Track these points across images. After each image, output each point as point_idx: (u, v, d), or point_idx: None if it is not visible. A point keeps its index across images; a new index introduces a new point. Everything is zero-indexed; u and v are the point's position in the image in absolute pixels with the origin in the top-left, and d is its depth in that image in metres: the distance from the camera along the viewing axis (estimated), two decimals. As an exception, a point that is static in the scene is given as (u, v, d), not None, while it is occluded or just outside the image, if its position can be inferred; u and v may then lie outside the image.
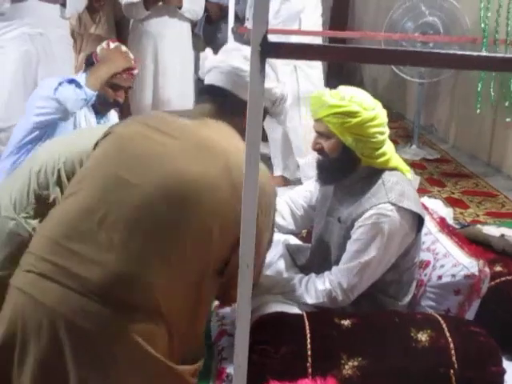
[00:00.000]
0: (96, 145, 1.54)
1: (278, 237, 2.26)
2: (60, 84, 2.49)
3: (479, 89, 4.02)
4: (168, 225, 1.32)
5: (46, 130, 2.52)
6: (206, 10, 4.03)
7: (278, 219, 2.27)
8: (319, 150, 1.90)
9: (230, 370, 1.85)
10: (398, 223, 1.79)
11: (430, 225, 2.19)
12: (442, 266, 1.98)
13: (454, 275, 1.91)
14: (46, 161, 1.94)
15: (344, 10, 7.73)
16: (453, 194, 4.27)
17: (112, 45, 2.67)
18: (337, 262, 1.89)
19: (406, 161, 2.07)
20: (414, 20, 4.89)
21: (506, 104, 3.95)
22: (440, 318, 1.73)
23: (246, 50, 1.50)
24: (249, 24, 3.76)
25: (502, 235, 2.29)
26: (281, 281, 1.96)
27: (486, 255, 2.08)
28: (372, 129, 1.81)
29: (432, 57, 1.05)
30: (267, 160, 4.22)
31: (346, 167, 1.89)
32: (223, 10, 4.25)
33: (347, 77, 7.03)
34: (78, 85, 2.51)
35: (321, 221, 2.07)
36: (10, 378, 1.30)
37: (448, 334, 1.65)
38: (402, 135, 5.62)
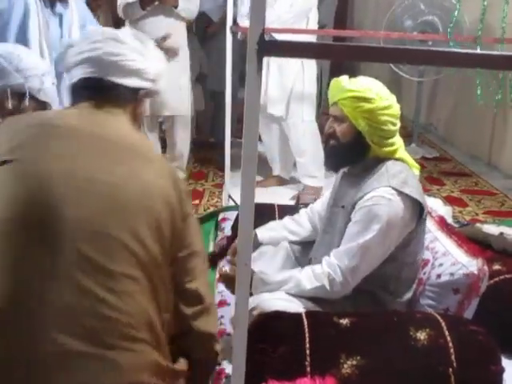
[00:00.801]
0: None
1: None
2: None
3: (478, 81, 4.01)
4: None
5: None
6: None
7: (295, 227, 2.29)
8: (331, 134, 1.96)
9: (228, 370, 1.85)
10: (397, 207, 1.80)
11: (429, 223, 2.19)
12: (441, 264, 1.98)
13: (452, 274, 1.91)
14: None
15: (344, 9, 7.73)
16: (452, 192, 4.27)
17: None
18: None
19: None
20: (413, 18, 4.90)
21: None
22: (439, 317, 1.73)
23: (111, 33, 1.45)
24: (241, 22, 3.76)
25: (501, 233, 2.29)
26: (278, 275, 1.96)
27: (485, 254, 2.08)
28: (384, 117, 1.86)
29: (431, 55, 1.05)
30: (265, 158, 4.24)
31: (355, 153, 1.94)
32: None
33: (346, 74, 7.03)
34: None
35: (327, 213, 2.11)
36: None
37: (447, 333, 1.65)
38: (401, 134, 5.58)
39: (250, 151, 1.05)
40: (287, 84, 3.77)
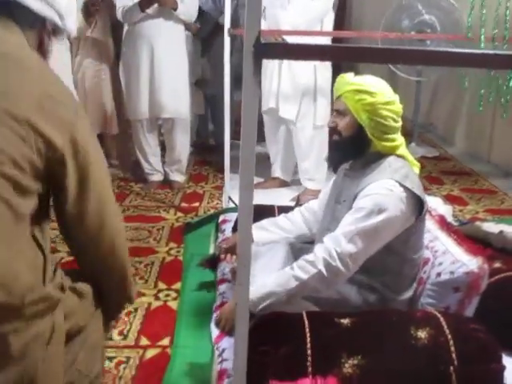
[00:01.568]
0: None
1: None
2: None
3: (482, 91, 4.03)
4: None
5: None
6: None
7: (288, 225, 2.30)
8: (334, 129, 1.99)
9: (230, 371, 1.86)
10: (398, 199, 1.81)
11: (428, 223, 2.20)
12: (441, 263, 1.99)
13: (452, 272, 1.91)
14: None
15: (341, 10, 7.73)
16: (452, 191, 4.28)
17: None
18: None
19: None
20: (410, 18, 4.91)
21: (502, 101, 3.95)
22: (439, 316, 1.73)
23: None
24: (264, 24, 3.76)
25: (501, 232, 2.30)
26: (271, 280, 1.90)
27: (485, 252, 2.08)
28: (385, 112, 1.89)
29: (429, 55, 1.06)
30: (266, 160, 4.25)
31: (357, 147, 1.97)
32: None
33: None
34: None
35: (328, 209, 2.12)
36: None
37: (447, 331, 1.66)
38: (401, 133, 5.62)
39: (247, 153, 1.05)
40: (299, 87, 3.74)
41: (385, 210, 1.79)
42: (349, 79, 1.95)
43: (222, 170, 3.87)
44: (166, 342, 2.28)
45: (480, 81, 4.09)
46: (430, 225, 2.20)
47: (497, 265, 2.10)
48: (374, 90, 1.89)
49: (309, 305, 1.92)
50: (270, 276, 1.92)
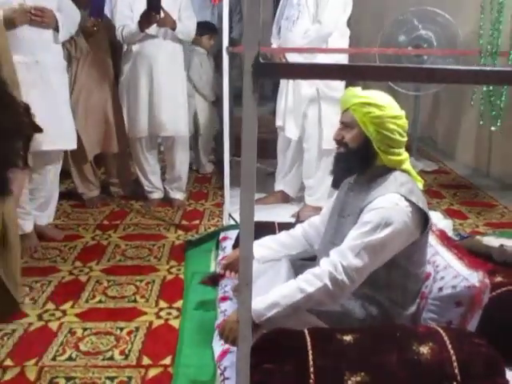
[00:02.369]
0: None
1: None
2: None
3: (481, 104, 4.05)
4: None
5: None
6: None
7: (289, 241, 2.30)
8: (340, 142, 2.01)
9: (233, 388, 1.85)
10: (404, 213, 1.82)
11: (429, 237, 2.20)
12: (443, 277, 1.98)
13: (454, 287, 1.91)
14: None
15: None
16: (452, 205, 4.28)
17: None
18: None
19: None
20: (407, 34, 4.94)
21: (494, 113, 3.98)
22: (441, 331, 1.73)
23: None
24: (274, 43, 3.84)
25: (502, 245, 2.30)
26: (276, 292, 1.88)
27: (486, 266, 2.08)
28: (393, 125, 1.91)
29: (430, 72, 1.07)
30: (269, 175, 4.26)
31: (363, 159, 1.98)
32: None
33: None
34: None
35: (331, 223, 2.12)
36: None
37: (450, 346, 1.65)
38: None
39: (248, 170, 1.06)
40: (300, 108, 3.78)
41: (391, 223, 1.79)
42: (357, 92, 1.97)
43: (221, 187, 3.88)
44: (167, 360, 2.27)
45: (480, 95, 4.11)
46: (431, 239, 2.20)
47: (498, 279, 2.10)
48: (382, 103, 1.92)
49: (312, 318, 1.91)
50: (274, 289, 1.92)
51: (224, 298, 2.51)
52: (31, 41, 3.08)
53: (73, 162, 4.11)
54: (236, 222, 3.49)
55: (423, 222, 1.89)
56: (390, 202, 1.83)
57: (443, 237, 2.27)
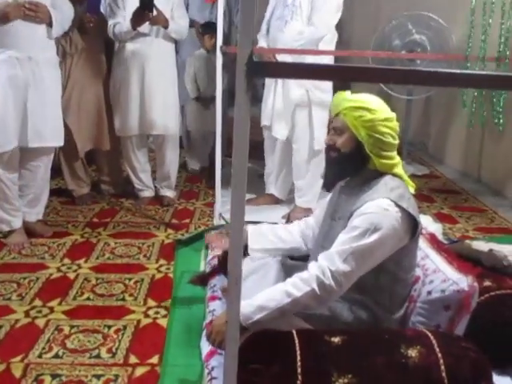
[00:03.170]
0: None
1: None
2: None
3: (472, 108, 4.07)
4: None
5: None
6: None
7: (285, 235, 2.30)
8: (331, 147, 1.99)
9: (220, 389, 1.85)
10: (393, 219, 1.81)
11: (420, 241, 2.20)
12: (432, 281, 1.99)
13: (443, 290, 1.91)
14: None
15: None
16: (442, 209, 4.30)
17: None
18: None
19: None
20: (401, 38, 4.96)
21: (496, 121, 3.98)
22: (430, 334, 1.73)
23: None
24: (262, 42, 3.81)
25: (491, 250, 2.30)
26: (263, 296, 1.87)
27: (475, 270, 2.09)
28: (384, 128, 1.91)
29: (421, 75, 1.07)
30: (260, 176, 4.26)
31: (355, 163, 1.98)
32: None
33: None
34: None
35: (323, 226, 2.12)
36: None
37: (438, 350, 1.65)
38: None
39: (239, 170, 1.06)
40: (289, 109, 3.76)
41: (380, 229, 1.79)
42: (347, 96, 1.96)
43: (213, 187, 3.87)
44: (155, 360, 2.26)
45: (471, 100, 4.13)
46: (421, 243, 2.20)
47: (487, 283, 2.10)
48: (373, 106, 1.91)
49: (300, 321, 1.91)
50: (262, 292, 1.91)
51: (213, 298, 2.50)
52: (24, 36, 3.05)
53: (64, 159, 4.09)
54: (227, 221, 3.48)
55: (413, 227, 1.89)
56: (380, 207, 1.83)
57: (433, 240, 2.27)
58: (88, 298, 2.76)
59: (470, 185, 4.93)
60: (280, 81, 3.71)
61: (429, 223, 2.68)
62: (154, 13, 3.69)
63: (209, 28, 4.68)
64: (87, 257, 3.24)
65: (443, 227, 3.54)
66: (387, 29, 5.03)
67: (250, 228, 2.37)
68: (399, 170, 1.99)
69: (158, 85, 3.90)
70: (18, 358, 2.25)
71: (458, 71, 1.05)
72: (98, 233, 3.63)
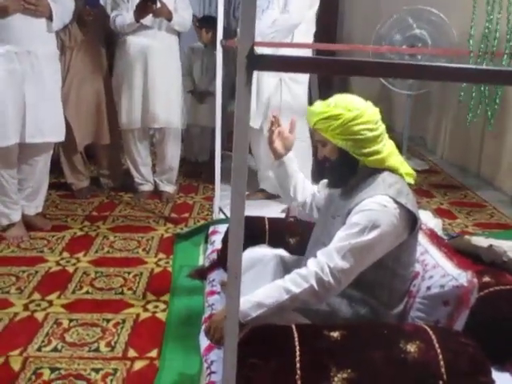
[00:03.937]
0: None
1: (271, 251, 2.28)
2: None
3: (472, 102, 4.06)
4: None
5: None
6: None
7: (305, 185, 2.31)
8: (324, 158, 2.00)
9: (219, 383, 1.85)
10: (392, 215, 1.81)
11: (419, 236, 2.20)
12: (431, 276, 1.98)
13: (442, 286, 1.91)
14: None
15: (332, 23, 7.79)
16: (441, 204, 4.29)
17: None
18: None
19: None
20: (401, 33, 4.95)
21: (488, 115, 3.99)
22: (429, 329, 1.73)
23: None
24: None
25: (490, 246, 2.30)
26: (262, 292, 1.86)
27: (475, 266, 2.09)
28: (357, 126, 1.87)
29: (422, 69, 1.06)
30: (252, 173, 4.25)
31: (347, 169, 1.97)
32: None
33: (337, 89, 7.08)
34: None
35: (321, 221, 2.12)
36: None
37: (437, 345, 1.65)
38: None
39: (239, 163, 1.05)
40: (263, 98, 3.80)
41: (378, 226, 1.78)
42: (314, 109, 1.94)
43: (212, 181, 3.86)
44: (154, 353, 2.26)
45: (470, 94, 4.12)
46: (421, 238, 2.19)
47: (486, 279, 2.09)
48: (338, 111, 1.88)
49: (298, 316, 1.91)
50: (259, 288, 1.91)
51: (212, 292, 2.50)
52: (23, 30, 3.03)
53: (63, 152, 4.09)
54: (226, 215, 3.48)
55: (412, 222, 1.88)
56: (378, 204, 1.82)
57: (433, 236, 2.27)
58: (87, 292, 2.76)
59: (470, 180, 4.93)
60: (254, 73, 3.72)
61: (428, 218, 2.68)
62: (158, 5, 3.67)
63: (206, 22, 4.66)
64: (86, 250, 3.24)
65: (443, 222, 3.54)
66: (388, 23, 5.02)
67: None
68: (393, 161, 1.96)
69: (161, 78, 3.89)
70: (17, 352, 2.25)
71: (460, 66, 1.04)
72: (97, 226, 3.62)
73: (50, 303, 2.64)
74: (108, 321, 2.50)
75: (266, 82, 3.75)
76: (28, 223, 3.48)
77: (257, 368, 1.59)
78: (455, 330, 1.85)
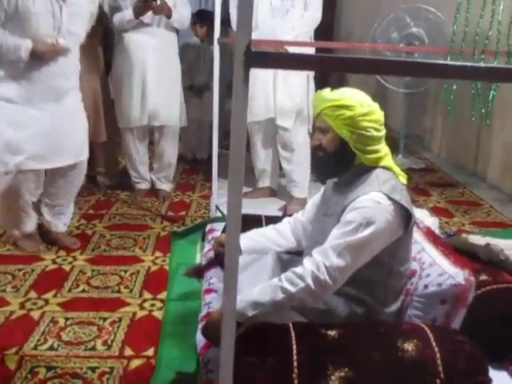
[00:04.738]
0: None
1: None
2: None
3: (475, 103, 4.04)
4: None
5: None
6: None
7: (277, 238, 2.29)
8: (318, 147, 1.97)
9: (216, 382, 1.84)
10: (386, 212, 1.80)
11: (416, 234, 2.20)
12: (428, 275, 1.98)
13: (439, 284, 1.91)
14: None
15: (330, 21, 7.78)
16: (438, 203, 4.30)
17: None
18: None
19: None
20: (399, 31, 4.95)
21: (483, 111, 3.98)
22: (426, 328, 1.73)
23: None
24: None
25: (487, 244, 2.30)
26: (257, 291, 1.86)
27: (472, 264, 2.09)
28: (366, 123, 1.87)
29: (418, 66, 1.06)
30: (250, 171, 4.25)
31: (342, 162, 1.96)
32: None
33: (333, 86, 7.07)
34: None
35: (317, 222, 2.11)
36: None
37: (434, 344, 1.65)
38: (387, 144, 5.65)
39: (237, 161, 1.04)
40: (296, 97, 3.81)
41: (373, 223, 1.78)
42: (325, 95, 1.93)
43: (209, 180, 3.86)
44: (150, 352, 2.26)
45: (468, 92, 4.11)
46: (418, 236, 2.19)
47: (483, 277, 2.10)
48: (351, 102, 1.88)
49: (295, 315, 1.90)
50: (256, 287, 1.91)
51: (208, 290, 2.49)
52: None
53: (59, 150, 4.07)
54: (223, 214, 3.48)
55: (406, 219, 1.88)
56: (372, 201, 1.82)
57: (430, 234, 2.27)
58: (83, 290, 2.75)
59: (467, 178, 4.93)
60: (280, 73, 3.71)
61: (425, 217, 2.67)
62: (158, 2, 3.66)
63: (199, 17, 4.65)
64: (83, 249, 3.23)
65: (439, 221, 3.54)
66: (385, 22, 5.01)
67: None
68: (388, 161, 1.97)
69: (160, 75, 3.87)
70: (13, 350, 2.24)
71: (455, 63, 1.04)
72: (93, 225, 3.62)
73: (46, 302, 2.63)
74: (104, 319, 2.49)
75: (297, 82, 3.77)
76: (55, 241, 3.32)
77: (254, 366, 1.58)
78: (452, 329, 1.85)
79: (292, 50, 3.51)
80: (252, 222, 2.60)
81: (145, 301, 2.67)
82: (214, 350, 1.98)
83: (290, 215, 2.46)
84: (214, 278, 2.54)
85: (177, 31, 4.03)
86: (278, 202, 4.02)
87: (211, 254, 2.75)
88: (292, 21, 3.65)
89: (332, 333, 1.69)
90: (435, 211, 4.00)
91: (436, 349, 1.64)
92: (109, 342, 2.32)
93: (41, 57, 2.79)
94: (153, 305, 2.63)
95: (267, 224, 2.58)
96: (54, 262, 3.06)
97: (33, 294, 2.69)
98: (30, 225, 3.29)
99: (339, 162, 1.97)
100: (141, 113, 3.93)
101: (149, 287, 2.80)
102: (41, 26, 2.77)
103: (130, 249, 3.26)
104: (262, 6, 3.70)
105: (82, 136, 3.17)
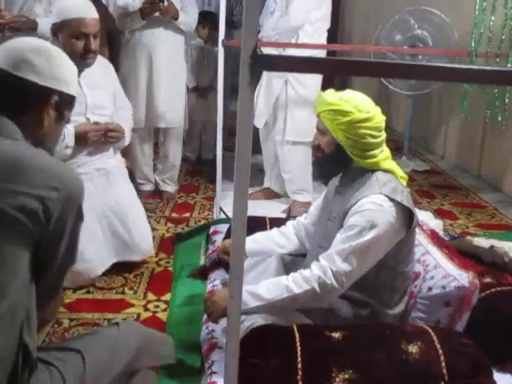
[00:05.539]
0: None
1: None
2: None
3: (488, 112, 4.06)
4: None
5: None
6: None
7: (282, 240, 2.30)
8: (317, 146, 1.99)
9: (221, 383, 1.84)
10: (389, 214, 1.81)
11: (420, 237, 2.20)
12: (432, 277, 1.99)
13: (444, 287, 1.91)
14: None
15: (334, 23, 7.78)
16: (442, 205, 4.29)
17: None
18: None
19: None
20: (402, 33, 4.94)
21: (499, 118, 3.98)
22: (430, 330, 1.73)
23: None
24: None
25: (492, 246, 2.30)
26: (264, 285, 1.90)
27: (476, 267, 2.09)
28: (362, 130, 1.87)
29: (422, 69, 1.06)
30: (260, 170, 4.25)
31: (339, 164, 1.98)
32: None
33: (337, 88, 7.07)
34: None
35: (320, 226, 2.12)
36: None
37: (438, 346, 1.65)
38: (391, 147, 5.55)
39: (242, 164, 1.05)
40: (271, 100, 3.79)
41: (376, 225, 1.79)
42: (325, 98, 1.92)
43: (213, 181, 3.86)
44: (154, 353, 2.26)
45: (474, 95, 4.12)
46: (422, 239, 2.20)
47: (487, 280, 2.10)
48: (349, 108, 1.87)
49: (300, 316, 1.91)
50: (262, 282, 1.93)
51: (212, 292, 2.49)
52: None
53: (64, 152, 4.07)
54: (227, 215, 3.48)
55: (408, 219, 1.89)
56: (375, 204, 1.82)
57: (434, 236, 2.27)
58: (88, 291, 2.75)
59: (471, 181, 4.92)
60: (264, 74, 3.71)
61: (429, 219, 2.68)
62: (165, 3, 3.65)
63: (202, 17, 4.65)
64: (87, 250, 3.23)
65: (443, 223, 3.54)
66: (389, 24, 5.01)
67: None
68: (388, 164, 1.96)
69: (166, 77, 3.86)
70: (18, 351, 2.24)
71: (461, 66, 1.04)
72: (97, 226, 3.61)
73: (51, 302, 2.63)
74: (109, 320, 2.49)
75: (275, 86, 3.75)
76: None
77: (258, 368, 1.59)
78: (456, 331, 1.86)
79: (291, 52, 3.53)
80: (256, 224, 2.61)
81: (149, 302, 2.67)
82: (219, 351, 1.99)
83: (294, 217, 2.47)
84: (218, 279, 2.55)
85: (183, 33, 4.03)
86: (282, 205, 4.01)
87: (215, 255, 2.76)
88: (269, 24, 3.65)
89: (336, 335, 1.69)
90: (439, 213, 4.00)
91: (440, 351, 1.64)
92: (113, 343, 2.33)
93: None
94: (157, 306, 2.63)
95: (271, 226, 2.59)
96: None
97: (37, 295, 2.70)
98: None
99: (336, 164, 1.98)
100: (146, 115, 3.93)
101: (153, 289, 2.80)
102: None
103: (134, 250, 3.26)
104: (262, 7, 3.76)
105: None
